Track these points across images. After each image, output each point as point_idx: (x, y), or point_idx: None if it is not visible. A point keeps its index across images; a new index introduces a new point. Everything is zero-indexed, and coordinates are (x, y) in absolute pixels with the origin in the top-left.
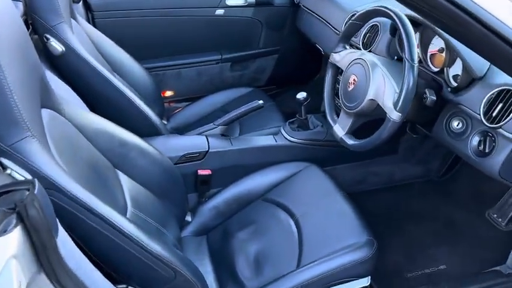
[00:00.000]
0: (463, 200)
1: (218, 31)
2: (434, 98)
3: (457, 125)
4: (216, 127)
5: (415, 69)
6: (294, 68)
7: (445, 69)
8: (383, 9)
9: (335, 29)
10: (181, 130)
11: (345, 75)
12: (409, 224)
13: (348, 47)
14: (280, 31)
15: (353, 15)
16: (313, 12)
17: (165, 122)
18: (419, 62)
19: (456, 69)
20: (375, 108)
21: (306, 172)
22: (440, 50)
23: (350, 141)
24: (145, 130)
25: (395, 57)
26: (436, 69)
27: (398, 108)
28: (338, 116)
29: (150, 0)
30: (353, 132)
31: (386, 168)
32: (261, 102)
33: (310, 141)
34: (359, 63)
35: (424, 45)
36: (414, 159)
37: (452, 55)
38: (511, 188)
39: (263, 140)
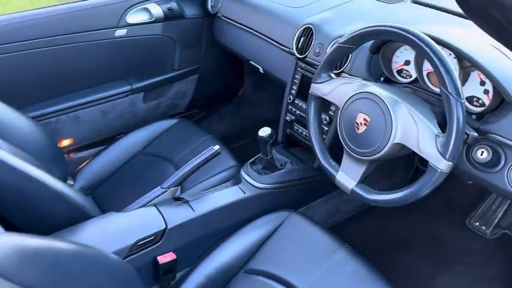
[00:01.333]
0: (438, 211)
1: (122, 56)
2: (476, 134)
3: (482, 155)
4: (165, 191)
5: (463, 106)
6: (217, 86)
7: None
8: (396, 30)
9: (275, 41)
10: (96, 188)
11: (346, 114)
12: (398, 253)
13: (333, 75)
14: (196, 47)
15: (308, 29)
16: (238, 23)
17: (71, 182)
18: (415, 81)
19: (472, 89)
20: (400, 149)
21: (289, 224)
22: None
23: (371, 196)
24: (60, 215)
25: (382, 79)
26: (437, 90)
27: (448, 156)
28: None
29: (23, 30)
30: (363, 180)
31: None
32: (217, 148)
33: (282, 183)
34: (368, 98)
35: (418, 61)
36: (381, 174)
37: (466, 73)
38: (492, 194)
39: (229, 194)
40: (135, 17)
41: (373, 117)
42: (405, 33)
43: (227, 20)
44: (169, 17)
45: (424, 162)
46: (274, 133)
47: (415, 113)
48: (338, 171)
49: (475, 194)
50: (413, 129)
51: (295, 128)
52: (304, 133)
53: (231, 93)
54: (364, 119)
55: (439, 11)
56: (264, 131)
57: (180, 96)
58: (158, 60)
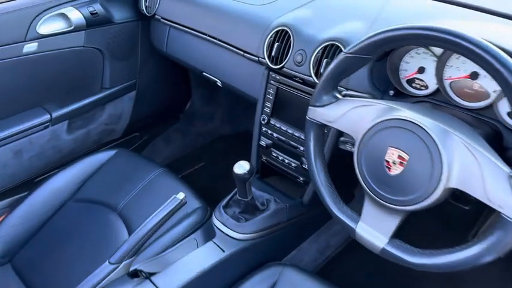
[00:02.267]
0: (436, 231)
1: (36, 78)
2: None
3: None
4: (116, 266)
5: None
6: (159, 102)
7: (493, 104)
8: (452, 38)
9: (237, 48)
10: (15, 254)
11: (369, 149)
12: None
13: (339, 95)
14: (131, 58)
15: (282, 32)
16: (184, 26)
17: None
18: (434, 93)
19: None
20: (452, 194)
21: (284, 283)
22: (473, 76)
23: (415, 258)
24: None
25: (391, 92)
26: (476, 105)
27: None
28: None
29: None
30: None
31: None
32: (181, 196)
33: (269, 229)
34: (402, 128)
35: (439, 67)
36: None
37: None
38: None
39: (204, 256)
40: (48, 26)
41: (413, 154)
42: (469, 45)
43: (168, 22)
44: (93, 23)
45: (463, 199)
46: (254, 168)
47: (473, 146)
48: (358, 222)
49: (473, 210)
50: (475, 170)
51: (273, 154)
52: (286, 161)
53: (177, 109)
54: (400, 157)
55: (440, 2)
56: (241, 167)
57: (115, 120)
58: (83, 78)
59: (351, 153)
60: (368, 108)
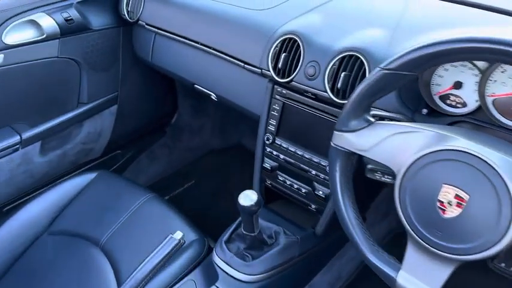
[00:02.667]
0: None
1: (3, 94)
2: None
3: None
4: None
5: None
6: (143, 116)
7: None
8: None
9: (236, 59)
10: None
11: (417, 185)
12: None
13: (371, 118)
14: (112, 69)
15: (290, 40)
16: (172, 34)
17: None
18: (475, 111)
19: None
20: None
21: None
22: None
23: None
24: None
25: (424, 111)
26: None
27: None
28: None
29: None
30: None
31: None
32: (179, 235)
33: (280, 267)
34: (460, 161)
35: (482, 83)
36: (379, 217)
37: None
38: None
39: None
40: (15, 35)
41: (475, 193)
42: None
43: (154, 29)
44: (68, 30)
45: None
46: (262, 199)
47: None
48: (399, 270)
49: None
50: None
51: (280, 178)
52: (295, 186)
53: (163, 123)
54: (457, 197)
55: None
56: (247, 198)
57: (94, 138)
58: (58, 93)
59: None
60: (412, 136)
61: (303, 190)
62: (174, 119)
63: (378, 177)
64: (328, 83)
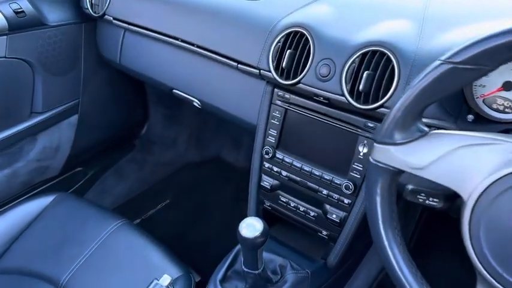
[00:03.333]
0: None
1: None
2: None
3: None
4: None
5: None
6: (109, 126)
7: None
8: None
9: (226, 57)
10: None
11: (495, 214)
12: None
13: (425, 127)
14: (72, 71)
15: (295, 34)
16: (146, 29)
17: None
18: None
19: None
20: None
21: None
22: None
23: None
24: None
25: (470, 117)
26: None
27: None
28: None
29: None
30: None
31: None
32: (166, 281)
33: None
34: None
35: None
36: None
37: None
38: None
39: None
40: None
41: None
42: None
43: (123, 24)
44: (19, 25)
45: None
46: (268, 229)
47: None
48: None
49: None
50: None
51: (282, 199)
52: (301, 208)
53: (132, 134)
54: None
55: None
56: (250, 228)
57: (50, 154)
58: (6, 101)
59: None
60: (485, 149)
61: (312, 213)
62: (144, 130)
63: (420, 200)
64: (346, 84)
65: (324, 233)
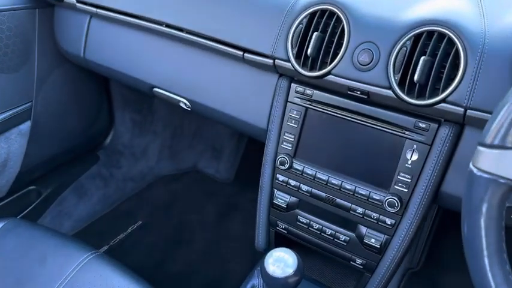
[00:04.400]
0: None
1: None
2: None
3: None
4: None
5: None
6: (67, 135)
7: None
8: None
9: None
10: None
11: None
12: None
13: None
14: (22, 68)
15: (323, 14)
16: (115, 11)
17: None
18: None
19: None
20: None
21: None
22: None
23: None
24: None
25: None
26: None
27: None
28: None
29: None
30: None
31: None
32: None
33: None
34: None
35: None
36: None
37: None
38: None
39: None
40: None
41: None
42: None
43: (89, 9)
44: None
45: None
46: (302, 264)
47: None
48: None
49: None
50: None
51: (302, 220)
52: (328, 231)
53: (95, 144)
54: None
55: None
56: (281, 263)
57: None
58: None
59: None
60: None
61: (342, 237)
62: (109, 139)
63: None
64: (394, 74)
65: (359, 261)
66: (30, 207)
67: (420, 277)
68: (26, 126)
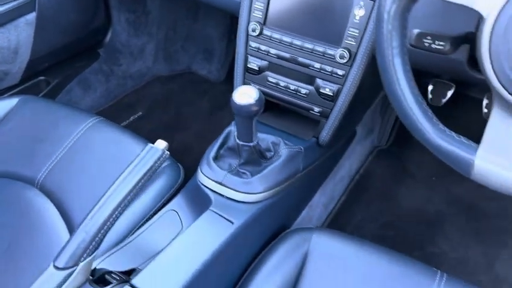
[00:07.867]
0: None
1: None
2: None
3: None
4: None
5: None
6: (69, 29)
7: None
8: None
9: None
10: None
11: None
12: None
13: None
14: None
15: None
16: None
17: None
18: None
19: None
20: None
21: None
22: None
23: None
24: None
25: None
26: None
27: None
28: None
29: None
30: None
31: (351, 160)
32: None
33: (285, 182)
34: None
35: None
36: (364, 133)
37: None
38: None
39: (205, 237)
40: None
41: None
42: None
43: None
44: None
45: None
46: (263, 97)
47: None
48: (476, 150)
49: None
50: None
51: (271, 80)
52: (291, 87)
53: (96, 42)
54: None
55: None
56: (245, 95)
57: (8, 57)
58: None
59: None
60: None
61: (303, 91)
62: (108, 38)
63: (426, 44)
64: None
65: (316, 110)
66: (41, 94)
67: (387, 154)
68: (31, 16)
